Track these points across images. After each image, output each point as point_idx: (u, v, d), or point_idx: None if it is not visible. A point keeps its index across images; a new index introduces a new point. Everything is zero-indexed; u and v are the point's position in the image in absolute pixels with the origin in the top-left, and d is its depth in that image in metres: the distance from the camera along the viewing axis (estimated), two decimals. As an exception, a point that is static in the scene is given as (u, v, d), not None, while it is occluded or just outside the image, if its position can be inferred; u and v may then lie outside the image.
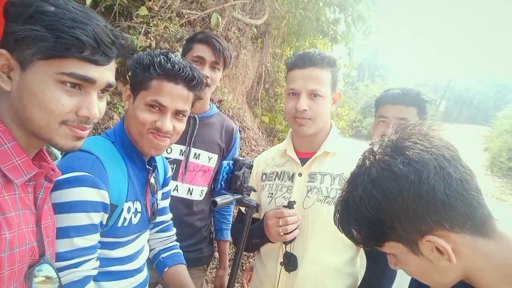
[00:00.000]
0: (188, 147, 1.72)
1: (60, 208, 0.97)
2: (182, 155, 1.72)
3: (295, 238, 1.34)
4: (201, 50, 1.71)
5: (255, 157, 4.43)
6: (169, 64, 1.11)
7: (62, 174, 0.98)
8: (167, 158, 1.67)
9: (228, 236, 1.93)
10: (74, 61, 0.77)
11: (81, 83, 0.79)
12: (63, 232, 0.97)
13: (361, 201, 0.74)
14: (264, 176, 1.54)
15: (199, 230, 1.83)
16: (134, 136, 1.15)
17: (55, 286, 0.86)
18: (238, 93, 5.28)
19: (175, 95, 1.13)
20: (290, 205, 1.34)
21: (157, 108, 1.12)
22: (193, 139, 1.73)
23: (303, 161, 1.46)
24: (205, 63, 1.70)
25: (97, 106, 0.83)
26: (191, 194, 1.75)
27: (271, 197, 1.47)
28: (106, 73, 0.83)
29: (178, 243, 1.50)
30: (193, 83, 1.15)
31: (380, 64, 47.65)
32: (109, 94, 3.27)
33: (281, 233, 1.30)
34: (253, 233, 1.37)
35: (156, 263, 1.42)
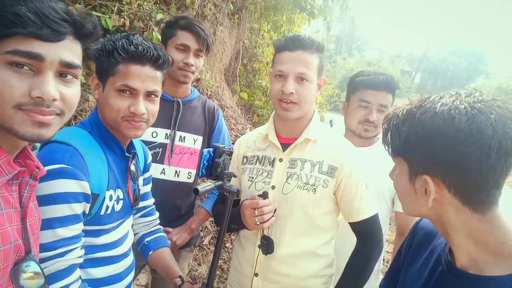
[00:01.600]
0: (173, 131, 1.76)
1: (42, 200, 0.98)
2: (167, 138, 1.76)
3: (272, 222, 1.39)
4: (185, 37, 1.71)
5: (235, 136, 4.47)
6: (132, 46, 1.10)
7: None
8: (152, 142, 1.71)
9: (208, 206, 1.90)
10: (18, 39, 0.74)
11: (29, 62, 0.75)
12: (46, 224, 0.99)
13: (422, 120, 0.79)
14: (245, 159, 1.57)
15: (187, 212, 1.88)
16: (111, 123, 1.16)
17: (42, 281, 0.87)
18: (216, 71, 5.22)
19: (143, 76, 1.13)
20: (265, 195, 1.37)
21: (127, 92, 1.13)
22: (177, 122, 1.76)
23: (285, 146, 1.47)
24: (190, 51, 1.72)
25: (52, 86, 0.77)
26: (178, 176, 1.79)
27: (251, 181, 1.50)
28: (58, 50, 0.78)
29: (161, 227, 1.54)
30: (159, 62, 1.15)
31: (357, 37, 47.66)
32: (83, 75, 3.18)
33: (258, 223, 1.34)
34: (232, 218, 1.40)
35: (140, 247, 1.46)
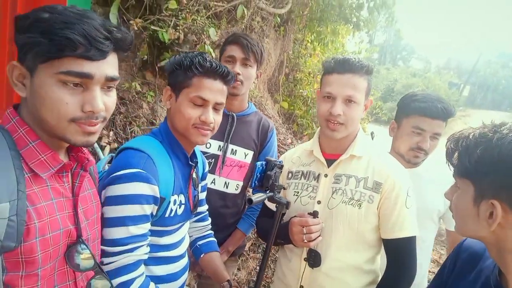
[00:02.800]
0: (226, 143, 1.85)
1: (118, 200, 1.11)
2: (220, 150, 1.85)
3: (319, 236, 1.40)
4: (231, 50, 1.83)
5: (277, 145, 4.54)
6: (207, 63, 1.24)
7: (120, 170, 1.13)
8: (206, 153, 1.81)
9: (246, 229, 1.98)
10: (69, 60, 0.82)
11: (80, 80, 0.84)
12: (121, 221, 1.11)
13: (499, 146, 0.82)
14: (290, 174, 1.60)
15: (233, 222, 1.96)
16: (180, 131, 1.28)
17: (93, 261, 0.96)
18: (260, 81, 5.36)
19: (214, 89, 1.27)
20: (315, 214, 1.41)
21: (200, 103, 1.25)
22: (230, 135, 1.85)
23: (329, 162, 1.51)
24: (235, 61, 1.81)
25: (100, 100, 0.87)
26: (227, 187, 1.88)
27: (296, 195, 1.53)
28: (103, 67, 0.87)
29: (212, 232, 1.64)
30: (228, 77, 1.29)
31: (402, 46, 46.35)
32: (139, 84, 3.42)
33: (305, 240, 1.38)
34: (279, 233, 1.43)
35: (193, 249, 1.57)
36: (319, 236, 1.40)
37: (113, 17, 2.99)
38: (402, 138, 1.78)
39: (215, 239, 1.62)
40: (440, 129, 1.71)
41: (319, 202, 1.47)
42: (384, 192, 1.41)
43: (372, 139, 1.73)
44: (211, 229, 1.66)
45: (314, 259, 1.44)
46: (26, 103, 0.87)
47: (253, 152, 1.92)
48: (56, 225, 0.89)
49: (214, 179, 1.85)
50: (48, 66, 0.81)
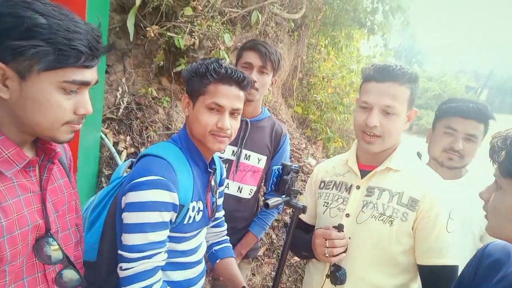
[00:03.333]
0: (240, 148, 1.86)
1: (138, 206, 1.12)
2: (233, 155, 1.87)
3: (344, 253, 1.31)
4: (249, 56, 1.83)
5: (290, 150, 4.54)
6: (222, 69, 1.23)
7: (141, 177, 1.14)
8: (220, 158, 1.82)
9: (257, 232, 1.99)
10: (73, 69, 0.84)
11: (78, 87, 0.88)
12: (140, 228, 1.12)
13: None
14: (322, 183, 1.53)
15: (246, 226, 1.98)
16: (198, 137, 1.28)
17: (61, 254, 0.98)
18: (274, 86, 5.37)
19: (230, 95, 1.25)
20: (340, 228, 1.31)
21: (216, 109, 1.25)
22: (244, 141, 1.86)
23: (364, 173, 1.41)
24: (252, 68, 1.82)
25: (89, 103, 0.92)
26: (240, 192, 1.90)
27: (326, 206, 1.45)
28: (94, 73, 0.91)
29: (228, 238, 1.65)
30: (244, 83, 1.28)
31: (417, 50, 45.80)
32: (155, 90, 3.47)
33: (326, 254, 1.29)
34: (303, 245, 1.39)
35: (209, 255, 1.58)
36: (343, 252, 1.30)
37: (131, 24, 3.05)
38: (435, 141, 1.74)
39: (230, 245, 1.63)
40: (474, 130, 1.64)
41: (347, 215, 1.37)
42: (421, 210, 1.27)
43: (420, 159, 1.64)
44: (227, 233, 1.67)
45: (337, 276, 1.32)
46: (6, 104, 0.85)
47: (266, 157, 1.93)
48: (24, 222, 0.89)
49: (228, 183, 1.87)
50: (51, 74, 0.82)
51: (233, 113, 1.28)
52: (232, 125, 1.28)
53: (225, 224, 1.64)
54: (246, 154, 1.89)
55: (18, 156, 0.88)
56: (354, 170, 1.43)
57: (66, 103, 0.87)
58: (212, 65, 1.24)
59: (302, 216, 1.55)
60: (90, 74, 0.89)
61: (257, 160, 1.91)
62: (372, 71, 1.33)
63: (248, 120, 1.89)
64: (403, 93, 1.30)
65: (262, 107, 2.01)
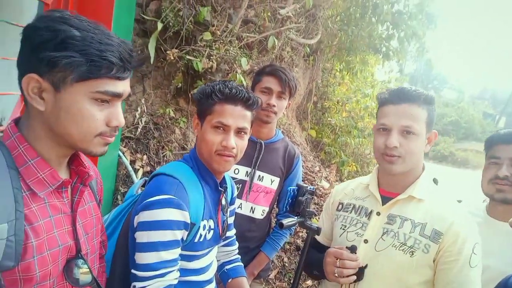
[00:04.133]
0: (253, 170, 1.90)
1: (151, 225, 1.14)
2: (247, 176, 1.91)
3: (361, 278, 1.29)
4: (269, 81, 1.88)
5: (304, 172, 4.55)
6: (227, 89, 1.27)
7: (153, 196, 1.16)
8: (234, 178, 1.85)
9: (269, 252, 2.00)
10: (106, 80, 0.85)
11: (110, 99, 0.88)
12: (152, 246, 1.13)
13: None
14: (340, 205, 1.50)
15: (258, 246, 1.99)
16: (205, 157, 1.31)
17: (90, 276, 0.97)
18: (289, 109, 5.43)
19: (235, 114, 1.27)
20: (353, 249, 1.29)
21: (221, 128, 1.27)
22: (258, 162, 1.90)
23: (385, 199, 1.37)
24: (272, 93, 1.87)
25: (122, 115, 0.92)
26: (253, 212, 1.92)
27: (343, 229, 1.42)
28: (127, 85, 0.92)
29: (239, 256, 1.65)
30: (249, 102, 1.30)
31: (433, 76, 45.65)
32: (172, 110, 3.56)
33: (336, 274, 1.28)
34: (315, 264, 1.38)
35: (220, 274, 1.57)
36: (353, 275, 1.27)
37: (152, 48, 3.17)
38: (483, 175, 1.64)
39: (242, 264, 1.62)
40: None
41: (366, 241, 1.34)
42: (444, 243, 1.24)
43: (436, 184, 1.62)
44: (239, 253, 1.68)
45: None
46: (42, 116, 0.86)
47: (279, 178, 1.96)
48: (54, 242, 0.89)
49: (241, 204, 1.90)
50: (84, 85, 0.83)
51: (239, 132, 1.30)
52: (238, 144, 1.29)
53: (237, 243, 1.65)
54: (259, 175, 1.92)
55: (52, 177, 0.89)
56: (375, 195, 1.40)
57: (98, 114, 0.87)
58: (217, 86, 1.28)
59: (317, 237, 1.55)
60: (122, 86, 0.89)
61: (270, 181, 1.94)
62: (387, 95, 1.35)
63: (262, 141, 1.94)
64: (420, 114, 1.30)
65: (276, 130, 2.05)
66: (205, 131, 1.30)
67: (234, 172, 1.89)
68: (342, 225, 1.44)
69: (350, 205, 1.47)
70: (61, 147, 0.90)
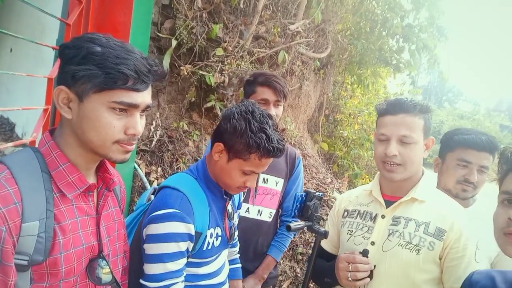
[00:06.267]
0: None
1: (157, 238, 1.21)
2: None
3: (370, 279, 1.34)
4: (264, 92, 1.91)
5: (316, 184, 4.56)
6: (270, 147, 1.26)
7: (158, 210, 1.23)
8: None
9: (276, 255, 2.02)
10: (121, 91, 0.91)
11: (127, 108, 0.94)
12: (158, 258, 1.20)
13: None
14: (345, 212, 1.56)
15: (265, 252, 2.01)
16: (222, 184, 1.37)
17: (110, 276, 1.04)
18: (300, 122, 5.49)
19: (266, 165, 1.33)
20: (365, 253, 1.34)
21: (250, 174, 1.33)
22: None
23: (388, 203, 1.44)
24: (269, 103, 1.91)
25: (140, 124, 0.98)
26: (260, 215, 1.96)
27: (350, 234, 1.48)
28: (145, 97, 0.97)
29: (238, 256, 1.70)
30: (279, 154, 1.32)
31: (448, 88, 45.16)
32: (186, 124, 3.67)
33: (349, 278, 1.32)
34: (326, 272, 1.41)
35: None
36: (367, 277, 1.32)
37: (166, 64, 3.31)
38: (448, 172, 1.75)
39: (240, 265, 1.68)
40: (487, 162, 1.67)
41: (373, 243, 1.40)
42: (449, 241, 1.30)
43: None
44: (245, 258, 1.72)
45: None
46: (70, 124, 0.95)
47: (283, 180, 2.00)
48: (78, 241, 0.96)
49: (248, 207, 1.93)
50: (101, 95, 0.90)
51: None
52: (252, 183, 1.37)
53: (238, 243, 1.70)
54: (264, 178, 1.97)
55: (80, 181, 0.97)
56: (379, 200, 1.47)
57: (116, 122, 0.93)
58: (263, 143, 1.26)
59: (324, 245, 1.59)
60: (139, 97, 0.95)
61: (275, 183, 1.98)
62: (385, 106, 1.43)
63: None
64: (417, 123, 1.38)
65: None
66: (232, 170, 1.32)
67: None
68: (349, 230, 1.49)
69: (355, 211, 1.53)
70: (87, 153, 0.98)
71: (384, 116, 1.43)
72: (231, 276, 1.62)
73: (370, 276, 1.33)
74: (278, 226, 2.10)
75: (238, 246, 1.70)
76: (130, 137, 0.97)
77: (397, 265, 1.32)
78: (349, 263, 1.33)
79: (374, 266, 1.35)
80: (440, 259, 1.30)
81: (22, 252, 0.86)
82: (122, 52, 0.91)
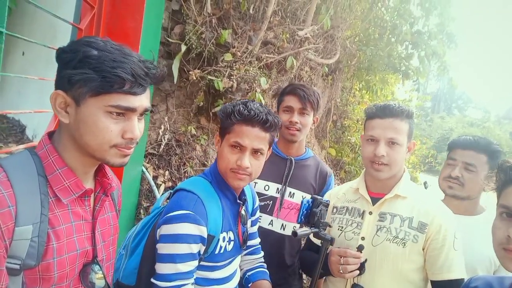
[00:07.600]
0: (284, 186, 1.91)
1: (170, 238, 1.22)
2: (278, 193, 1.91)
3: (363, 272, 1.43)
4: (289, 100, 1.93)
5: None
6: (246, 110, 1.32)
7: (173, 211, 1.24)
8: (264, 195, 1.89)
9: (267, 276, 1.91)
10: (118, 95, 0.90)
11: (124, 112, 0.92)
12: (170, 258, 1.21)
13: None
14: (335, 209, 1.66)
15: (290, 265, 1.97)
16: (222, 173, 1.38)
17: (104, 282, 1.03)
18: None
19: (252, 136, 1.33)
20: (361, 248, 1.44)
21: (238, 148, 1.33)
22: (288, 179, 1.91)
23: (374, 200, 1.56)
24: (293, 111, 1.90)
25: (137, 128, 0.96)
26: (284, 229, 1.91)
27: (341, 230, 1.58)
28: (143, 100, 0.95)
29: (264, 264, 1.65)
30: (267, 125, 1.34)
31: (457, 95, 44.80)
32: (194, 128, 3.69)
33: (341, 271, 1.42)
34: (316, 263, 1.45)
35: (243, 281, 1.60)
36: (357, 270, 1.42)
37: (175, 69, 3.34)
38: (440, 174, 1.87)
39: (266, 270, 1.63)
40: (472, 160, 1.73)
41: (363, 238, 1.51)
42: (430, 233, 1.43)
43: (426, 188, 1.76)
44: (268, 270, 1.67)
45: None
46: (67, 128, 0.94)
47: (310, 195, 1.92)
48: (72, 247, 0.94)
49: (272, 220, 1.90)
50: (97, 99, 0.89)
51: (255, 152, 1.35)
52: (252, 164, 1.35)
53: (262, 252, 1.67)
54: (290, 192, 1.93)
55: (76, 186, 0.96)
56: (365, 197, 1.58)
57: (113, 126, 0.92)
58: (238, 107, 1.34)
59: (315, 240, 1.64)
60: (136, 101, 0.93)
61: (301, 198, 1.92)
62: (374, 110, 1.54)
63: (292, 158, 1.96)
64: (403, 127, 1.50)
65: (306, 147, 2.07)
66: (223, 149, 1.36)
67: (264, 188, 1.91)
68: (340, 226, 1.61)
69: (343, 208, 1.65)
70: (85, 157, 0.97)
71: (373, 119, 1.54)
72: (255, 278, 1.58)
73: (362, 270, 1.43)
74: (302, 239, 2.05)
75: (261, 254, 1.67)
76: (127, 141, 0.95)
77: (387, 258, 1.45)
78: (341, 257, 1.43)
79: (366, 259, 1.45)
80: (423, 249, 1.44)
81: (15, 256, 0.85)
82: (119, 55, 0.90)
